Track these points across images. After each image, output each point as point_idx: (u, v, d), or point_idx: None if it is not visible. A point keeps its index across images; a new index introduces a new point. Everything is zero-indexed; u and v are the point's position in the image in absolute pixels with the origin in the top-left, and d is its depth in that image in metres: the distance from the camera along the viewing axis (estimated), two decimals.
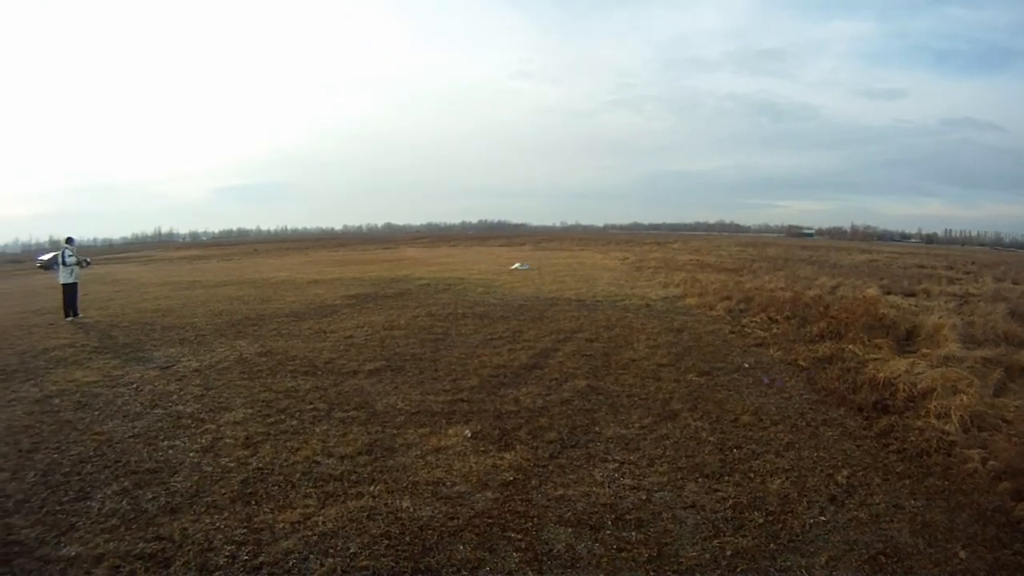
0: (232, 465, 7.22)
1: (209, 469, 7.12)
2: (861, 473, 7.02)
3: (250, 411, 9.11)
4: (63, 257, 19.24)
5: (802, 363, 11.64)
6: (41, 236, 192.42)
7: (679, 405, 9.27)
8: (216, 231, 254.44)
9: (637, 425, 8.45)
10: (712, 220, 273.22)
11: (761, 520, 5.97)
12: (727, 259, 45.85)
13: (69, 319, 18.27)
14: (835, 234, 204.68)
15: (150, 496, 6.48)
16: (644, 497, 6.42)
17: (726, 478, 6.80)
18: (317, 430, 8.32)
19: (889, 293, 23.84)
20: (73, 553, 5.41)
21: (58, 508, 6.26)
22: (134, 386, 10.59)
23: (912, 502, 6.38)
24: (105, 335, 15.46)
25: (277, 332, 15.22)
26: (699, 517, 6.04)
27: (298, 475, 6.93)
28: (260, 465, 7.21)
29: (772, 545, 5.56)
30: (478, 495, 6.47)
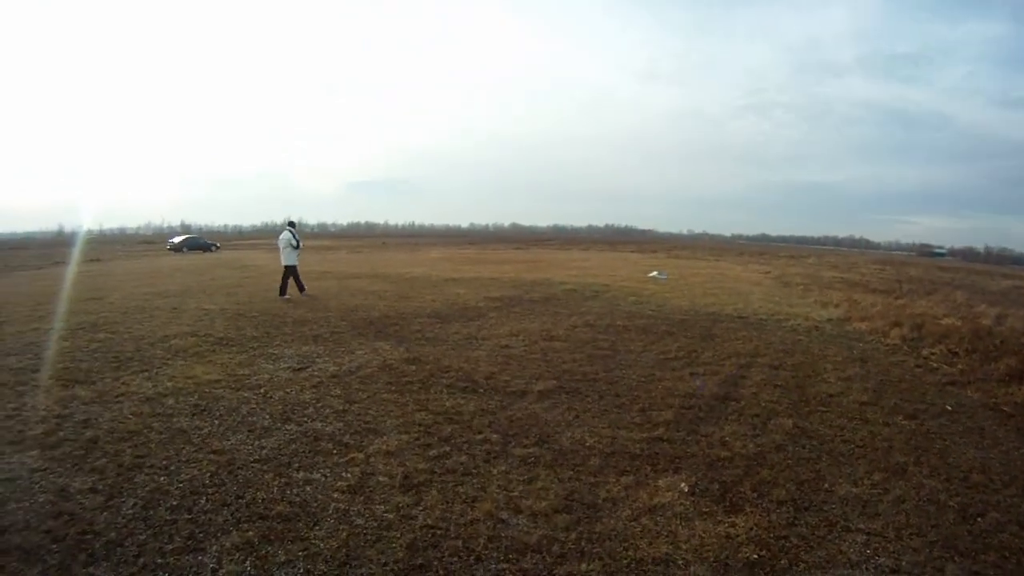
0: (391, 517, 5.63)
1: (360, 522, 5.55)
2: None
3: (405, 437, 7.55)
4: (294, 238, 20.47)
5: (1006, 409, 10.12)
6: (174, 221, 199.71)
7: (902, 457, 7.73)
8: (344, 223, 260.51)
9: (867, 482, 6.94)
10: (841, 234, 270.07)
11: None
12: (871, 278, 43.92)
13: (285, 297, 19.63)
14: (968, 255, 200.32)
15: (283, 558, 4.97)
16: None
17: (982, 556, 5.55)
18: (494, 472, 6.70)
19: None
20: None
21: (159, 562, 4.85)
22: (262, 391, 9.25)
23: None
24: (231, 325, 14.43)
25: (422, 335, 13.81)
26: None
27: (482, 541, 5.32)
28: (429, 521, 5.59)
29: None
30: None
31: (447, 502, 5.95)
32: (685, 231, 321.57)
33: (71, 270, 32.48)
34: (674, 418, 8.69)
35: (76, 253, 48.32)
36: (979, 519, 6.22)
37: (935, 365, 13.16)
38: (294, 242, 20.43)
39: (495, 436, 7.71)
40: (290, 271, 20.29)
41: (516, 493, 6.20)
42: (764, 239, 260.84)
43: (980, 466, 7.60)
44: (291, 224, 21.32)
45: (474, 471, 6.68)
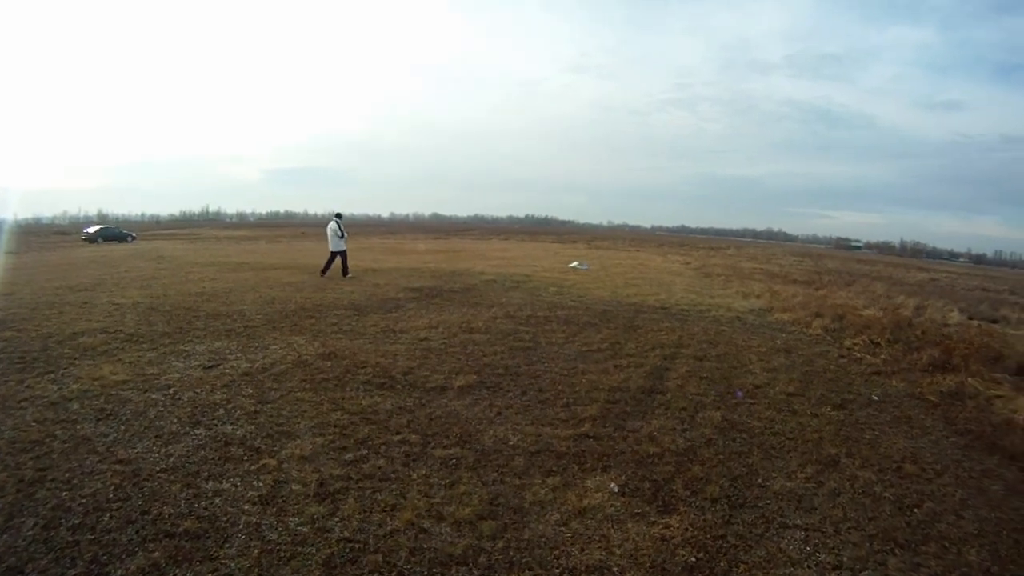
0: (305, 531, 5.23)
1: (273, 537, 5.13)
2: None
3: (320, 440, 7.13)
4: (340, 229, 23.38)
5: (931, 398, 10.40)
6: (90, 209, 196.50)
7: (834, 449, 7.78)
8: (263, 212, 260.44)
9: (801, 476, 6.95)
10: (760, 227, 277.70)
11: None
12: (791, 269, 45.62)
13: (325, 276, 22.94)
14: (884, 249, 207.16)
15: None
16: None
17: (922, 548, 5.63)
18: (414, 476, 6.34)
19: (971, 318, 22.97)
20: None
21: None
22: (171, 391, 8.71)
23: None
24: (143, 320, 13.75)
25: (338, 328, 13.39)
26: None
27: (404, 554, 4.97)
28: (346, 534, 5.21)
29: None
30: None
31: (365, 511, 5.60)
32: (605, 222, 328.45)
33: None
34: (600, 413, 8.49)
35: (6, 244, 46.80)
36: (915, 510, 6.32)
37: (859, 355, 13.38)
38: (339, 232, 23.27)
39: (414, 437, 7.35)
40: (336, 256, 23.33)
41: (438, 499, 5.88)
42: (684, 230, 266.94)
43: (911, 456, 7.74)
44: (338, 215, 23.94)
45: (393, 476, 6.33)
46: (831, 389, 10.48)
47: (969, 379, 11.24)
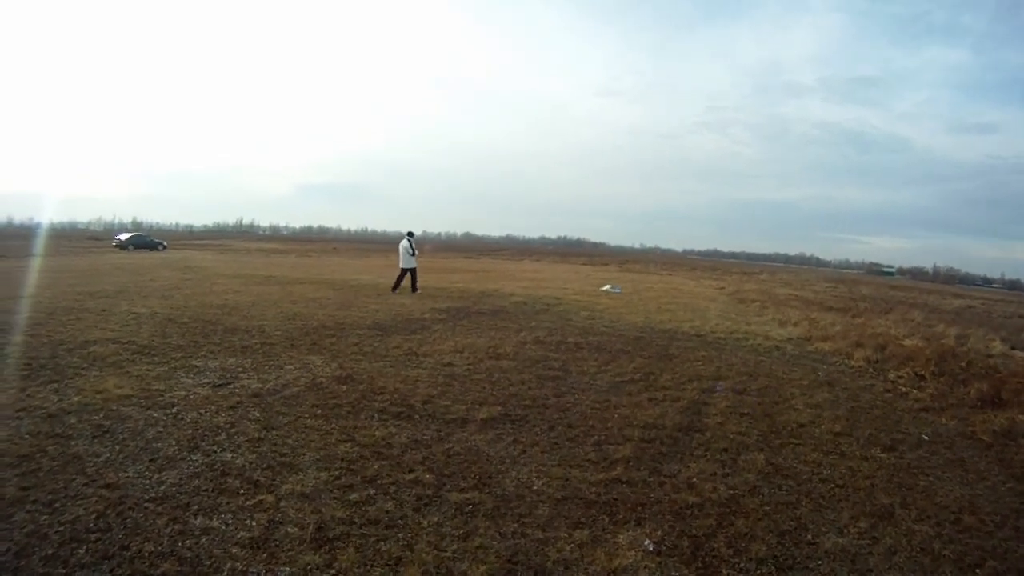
0: None
1: None
2: None
3: (324, 475, 6.53)
4: (411, 247, 24.80)
5: (984, 438, 9.73)
6: (125, 217, 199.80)
7: (887, 498, 7.10)
8: (296, 226, 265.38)
9: (853, 530, 6.25)
10: (791, 252, 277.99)
11: None
12: (826, 296, 45.11)
13: (416, 293, 24.16)
14: (916, 274, 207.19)
15: None
16: None
17: None
18: (425, 524, 5.68)
19: (1014, 348, 22.15)
20: None
21: None
22: (174, 411, 8.21)
23: None
24: (158, 331, 13.43)
25: (359, 349, 12.86)
26: None
27: None
28: None
29: None
30: None
31: (365, 564, 4.97)
32: (637, 245, 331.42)
33: (14, 264, 31.68)
34: (633, 454, 7.83)
35: (38, 247, 47.72)
36: (977, 570, 5.71)
37: (904, 389, 12.75)
38: (411, 250, 24.68)
39: (428, 476, 6.72)
40: (407, 272, 24.64)
41: (449, 553, 5.22)
42: (715, 254, 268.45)
43: (969, 505, 7.14)
44: (409, 234, 25.39)
45: (400, 522, 5.70)
46: (879, 428, 9.86)
47: (1021, 416, 10.60)
